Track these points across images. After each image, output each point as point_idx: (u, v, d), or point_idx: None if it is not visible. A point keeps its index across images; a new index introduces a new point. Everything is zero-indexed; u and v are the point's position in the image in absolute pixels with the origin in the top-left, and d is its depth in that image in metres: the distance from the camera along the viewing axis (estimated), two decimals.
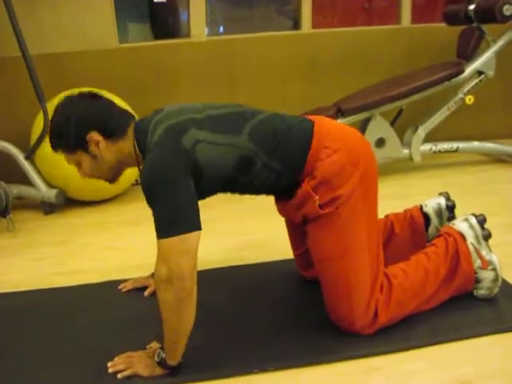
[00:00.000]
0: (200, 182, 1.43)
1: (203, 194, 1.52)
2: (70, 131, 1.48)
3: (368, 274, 1.56)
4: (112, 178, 1.62)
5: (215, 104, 1.57)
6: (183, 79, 3.36)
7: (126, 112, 1.59)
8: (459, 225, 1.74)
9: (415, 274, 1.63)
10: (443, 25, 3.35)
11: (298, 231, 1.79)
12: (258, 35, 3.50)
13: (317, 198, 1.50)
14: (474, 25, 3.11)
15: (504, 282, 1.73)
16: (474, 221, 1.72)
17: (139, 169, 1.54)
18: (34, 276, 2.16)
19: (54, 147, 1.54)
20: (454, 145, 3.21)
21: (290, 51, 3.48)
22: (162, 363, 1.44)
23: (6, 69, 2.98)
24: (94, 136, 1.48)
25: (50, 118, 1.58)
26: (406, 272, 1.63)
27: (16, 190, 2.90)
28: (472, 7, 3.04)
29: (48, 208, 2.91)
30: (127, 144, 1.52)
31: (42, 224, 2.79)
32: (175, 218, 1.34)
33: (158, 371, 1.44)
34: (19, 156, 2.90)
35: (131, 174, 1.90)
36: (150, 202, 1.38)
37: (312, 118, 1.62)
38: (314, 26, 3.53)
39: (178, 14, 4.12)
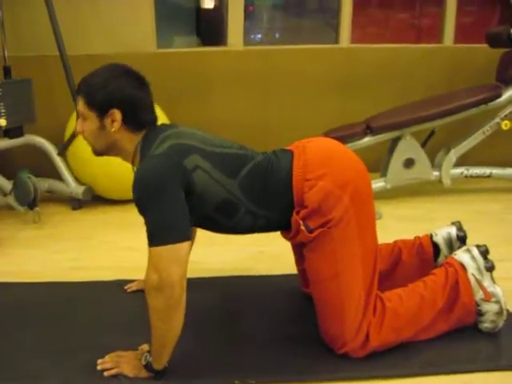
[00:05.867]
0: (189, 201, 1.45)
1: None
2: (100, 94, 1.51)
3: (361, 295, 1.55)
4: (99, 153, 1.63)
5: (223, 142, 1.60)
6: (217, 87, 3.39)
7: (154, 113, 1.61)
8: (460, 255, 1.70)
9: (410, 300, 1.60)
10: (486, 46, 3.26)
11: (299, 248, 1.79)
12: (295, 47, 3.50)
13: (302, 224, 1.52)
14: None
15: (510, 315, 1.67)
16: (475, 252, 1.68)
17: (132, 166, 1.60)
18: (51, 268, 2.24)
19: (80, 91, 1.56)
20: (488, 170, 3.11)
21: (327, 65, 3.46)
22: (147, 366, 1.46)
23: (48, 67, 3.09)
24: (116, 114, 1.51)
25: None
26: (401, 297, 1.61)
27: (47, 183, 3.02)
28: None
29: (76, 203, 3.01)
30: (133, 140, 1.56)
31: (67, 218, 2.89)
32: (166, 228, 1.37)
33: (143, 374, 1.47)
34: (53, 152, 3.01)
35: None
36: (142, 210, 1.41)
37: (293, 147, 1.63)
38: (353, 41, 3.51)
39: (224, 21, 4.15)
